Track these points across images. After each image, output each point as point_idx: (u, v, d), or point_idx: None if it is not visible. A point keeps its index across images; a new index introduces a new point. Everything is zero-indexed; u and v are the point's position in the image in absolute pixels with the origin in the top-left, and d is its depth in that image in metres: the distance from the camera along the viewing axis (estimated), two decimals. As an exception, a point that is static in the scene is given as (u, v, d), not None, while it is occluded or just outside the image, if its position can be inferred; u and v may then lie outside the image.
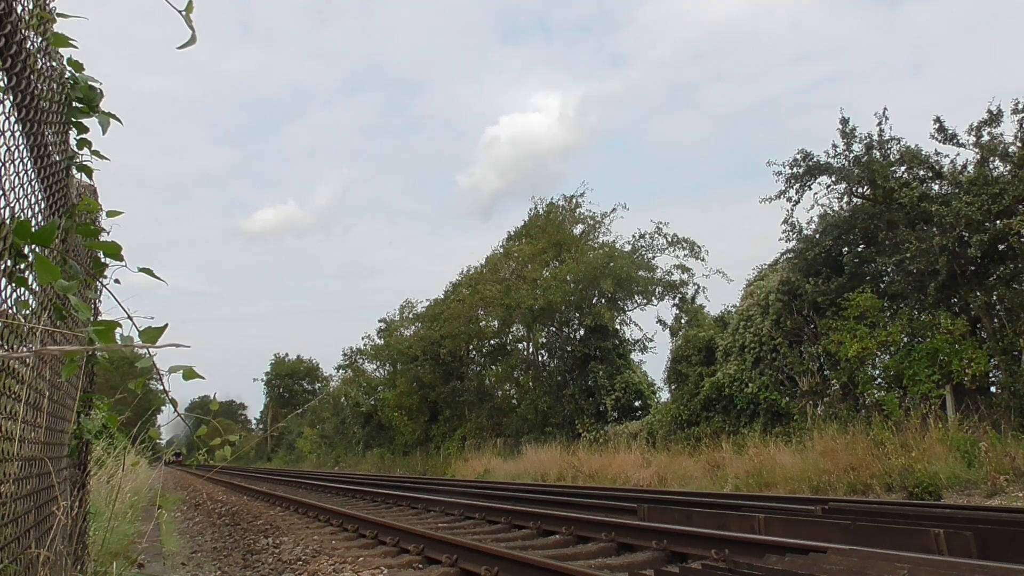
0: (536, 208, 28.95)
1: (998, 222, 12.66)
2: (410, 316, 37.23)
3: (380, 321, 39.54)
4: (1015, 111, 13.10)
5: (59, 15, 1.87)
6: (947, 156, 14.98)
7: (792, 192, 16.30)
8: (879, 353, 14.30)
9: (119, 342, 1.55)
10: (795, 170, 16.15)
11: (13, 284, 1.56)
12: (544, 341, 27.23)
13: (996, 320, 13.13)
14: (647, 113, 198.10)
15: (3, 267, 1.46)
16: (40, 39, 1.80)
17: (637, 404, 24.21)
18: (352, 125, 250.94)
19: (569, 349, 25.69)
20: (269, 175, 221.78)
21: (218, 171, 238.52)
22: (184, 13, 1.60)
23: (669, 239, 24.62)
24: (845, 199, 16.18)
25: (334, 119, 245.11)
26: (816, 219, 16.91)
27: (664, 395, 22.65)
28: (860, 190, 15.70)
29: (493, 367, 29.77)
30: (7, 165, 1.56)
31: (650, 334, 25.56)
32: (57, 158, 2.14)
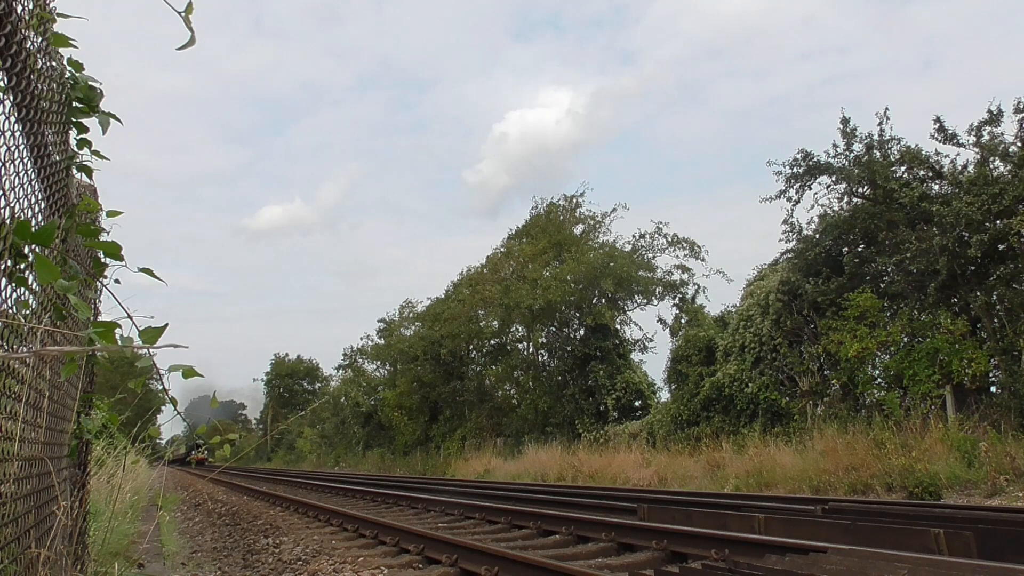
0: (537, 208, 29.01)
1: (998, 222, 12.67)
2: (410, 316, 37.26)
3: (380, 321, 39.62)
4: (1016, 111, 13.11)
5: (59, 15, 1.87)
6: (947, 156, 15.03)
7: (792, 192, 16.33)
8: (879, 353, 14.30)
9: (119, 342, 1.55)
10: (795, 170, 16.16)
11: (13, 284, 1.56)
12: (544, 341, 27.23)
13: (996, 320, 13.12)
14: (657, 110, 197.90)
15: (3, 267, 1.46)
16: (40, 39, 1.80)
17: (637, 404, 24.21)
18: (361, 123, 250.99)
19: (569, 349, 25.68)
20: (276, 173, 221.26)
21: (225, 169, 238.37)
22: (183, 14, 1.59)
23: (669, 239, 24.63)
24: (845, 199, 16.20)
25: (343, 117, 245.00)
26: (816, 219, 16.94)
27: (664, 395, 22.67)
28: (860, 190, 15.70)
29: (493, 367, 29.76)
30: (7, 165, 1.56)
31: (650, 334, 25.60)
32: (57, 158, 2.14)
